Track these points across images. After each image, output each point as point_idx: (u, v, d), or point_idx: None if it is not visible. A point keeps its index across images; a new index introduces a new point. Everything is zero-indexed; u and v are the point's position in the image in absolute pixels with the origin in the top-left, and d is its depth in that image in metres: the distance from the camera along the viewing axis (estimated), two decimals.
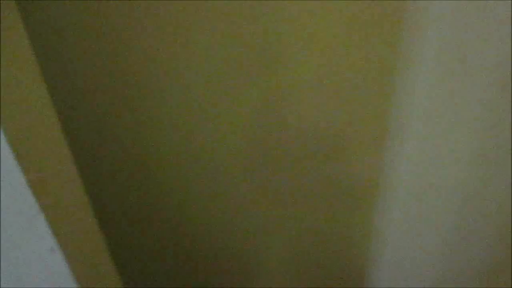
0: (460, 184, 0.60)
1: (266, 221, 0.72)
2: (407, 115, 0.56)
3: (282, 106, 0.58)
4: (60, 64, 0.57)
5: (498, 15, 0.47)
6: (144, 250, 0.80)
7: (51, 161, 0.46)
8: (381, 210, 0.67)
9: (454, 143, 0.56)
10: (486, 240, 0.64)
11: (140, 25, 0.54)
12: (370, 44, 0.52)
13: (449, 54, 0.50)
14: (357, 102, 0.56)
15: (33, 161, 0.42)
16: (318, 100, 0.57)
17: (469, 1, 0.47)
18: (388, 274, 0.77)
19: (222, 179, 0.67)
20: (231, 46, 0.54)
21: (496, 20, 0.47)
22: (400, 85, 0.54)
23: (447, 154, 0.57)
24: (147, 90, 0.59)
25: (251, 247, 0.77)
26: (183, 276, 0.84)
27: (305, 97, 0.58)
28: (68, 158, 0.49)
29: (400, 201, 0.64)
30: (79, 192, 0.52)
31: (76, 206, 0.51)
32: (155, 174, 0.68)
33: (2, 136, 0.39)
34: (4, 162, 0.41)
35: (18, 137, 0.41)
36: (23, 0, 0.51)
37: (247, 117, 0.60)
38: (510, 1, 0.46)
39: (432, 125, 0.56)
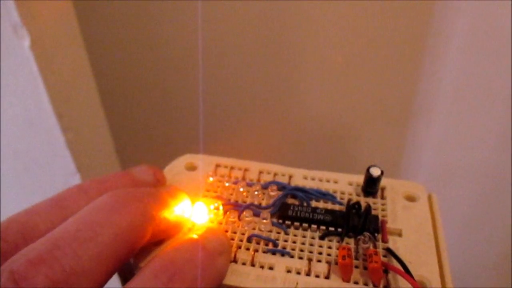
0: (484, 168, 0.59)
1: None
2: (432, 97, 0.55)
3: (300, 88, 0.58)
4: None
5: None
6: None
7: (87, 124, 0.47)
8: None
9: (480, 125, 0.56)
10: (507, 228, 0.63)
11: None
12: (398, 21, 0.51)
13: (480, 34, 0.50)
14: (381, 83, 0.56)
15: (72, 121, 0.43)
16: (341, 80, 0.57)
17: None
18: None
19: None
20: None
21: None
22: (426, 65, 0.54)
23: (473, 137, 0.57)
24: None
25: None
26: None
27: (326, 75, 0.57)
28: (103, 122, 0.50)
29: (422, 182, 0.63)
30: (112, 156, 0.53)
31: (107, 170, 0.53)
32: None
33: (46, 96, 0.40)
34: (46, 121, 0.42)
35: (59, 98, 0.42)
36: None
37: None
38: None
39: (457, 108, 0.55)
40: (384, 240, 0.24)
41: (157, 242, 0.24)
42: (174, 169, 0.29)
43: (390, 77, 0.56)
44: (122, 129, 0.63)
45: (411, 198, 0.27)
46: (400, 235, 0.25)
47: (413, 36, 0.53)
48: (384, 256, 0.23)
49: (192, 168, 0.30)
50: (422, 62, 0.54)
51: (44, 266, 0.17)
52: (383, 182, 0.28)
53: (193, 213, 0.25)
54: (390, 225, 0.25)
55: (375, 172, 0.26)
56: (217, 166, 0.29)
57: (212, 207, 0.25)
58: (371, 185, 0.27)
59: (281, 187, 0.27)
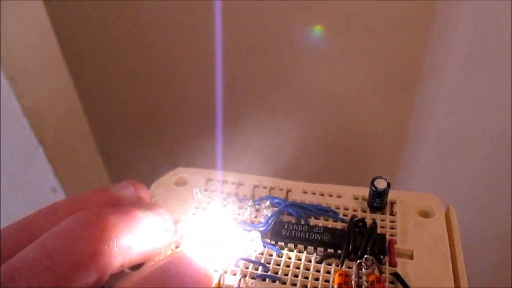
0: (494, 132, 0.54)
1: None
2: (442, 59, 0.51)
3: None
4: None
5: None
6: None
7: (49, 89, 0.42)
8: (406, 161, 0.62)
9: (490, 88, 0.51)
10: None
11: None
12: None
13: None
14: (389, 47, 0.52)
15: (28, 87, 0.38)
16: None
17: None
18: None
19: None
20: None
21: None
22: (436, 27, 0.50)
23: (483, 100, 0.53)
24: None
25: None
26: None
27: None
28: (71, 88, 0.46)
29: (428, 151, 0.60)
30: (82, 126, 0.49)
31: (79, 143, 0.48)
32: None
33: None
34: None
35: (10, 55, 0.37)
36: None
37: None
38: None
39: (469, 71, 0.51)
40: (392, 263, 0.21)
41: (135, 266, 0.21)
42: (163, 184, 0.27)
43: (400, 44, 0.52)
44: (99, 113, 0.58)
45: (425, 214, 0.24)
46: (411, 257, 0.22)
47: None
48: (391, 282, 0.20)
49: (182, 183, 0.27)
50: (431, 25, 0.50)
51: None
52: (393, 195, 0.25)
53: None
54: (399, 245, 0.22)
55: (381, 184, 0.23)
56: (209, 180, 0.27)
57: (198, 226, 0.23)
58: (377, 200, 0.23)
59: (276, 202, 0.25)
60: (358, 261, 0.20)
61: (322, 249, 0.22)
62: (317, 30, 0.50)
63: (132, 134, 0.64)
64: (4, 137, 0.40)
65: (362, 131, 0.59)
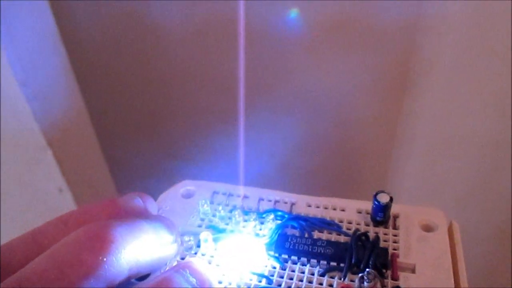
0: (484, 136, 0.54)
1: None
2: (430, 59, 0.51)
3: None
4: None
5: None
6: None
7: (58, 95, 0.43)
8: (395, 165, 0.62)
9: (480, 92, 0.51)
10: (504, 199, 0.58)
11: None
12: None
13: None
14: (376, 52, 0.52)
15: (37, 88, 0.40)
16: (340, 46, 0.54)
17: None
18: None
19: None
20: None
21: None
22: (425, 32, 0.50)
23: (472, 104, 0.52)
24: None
25: None
26: None
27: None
28: (77, 90, 0.47)
29: (417, 155, 0.60)
30: (88, 129, 0.50)
31: (85, 145, 0.49)
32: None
33: (5, 61, 0.37)
34: (10, 90, 0.38)
35: (21, 61, 0.38)
36: None
37: None
38: None
39: (457, 73, 0.51)
40: (395, 277, 0.21)
41: (142, 276, 0.22)
42: (170, 196, 0.28)
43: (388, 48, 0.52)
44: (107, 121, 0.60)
45: (428, 228, 0.24)
46: (413, 271, 0.22)
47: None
48: None
49: (188, 195, 0.28)
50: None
51: None
52: (397, 209, 0.25)
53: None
54: (402, 259, 0.22)
55: (384, 198, 0.23)
56: (215, 193, 0.27)
57: (203, 238, 0.23)
58: (379, 213, 0.24)
59: (280, 216, 0.25)
60: (361, 274, 0.20)
61: (325, 262, 0.22)
62: (311, 32, 0.50)
63: (137, 139, 0.65)
64: (15, 138, 0.42)
65: (356, 131, 0.59)
